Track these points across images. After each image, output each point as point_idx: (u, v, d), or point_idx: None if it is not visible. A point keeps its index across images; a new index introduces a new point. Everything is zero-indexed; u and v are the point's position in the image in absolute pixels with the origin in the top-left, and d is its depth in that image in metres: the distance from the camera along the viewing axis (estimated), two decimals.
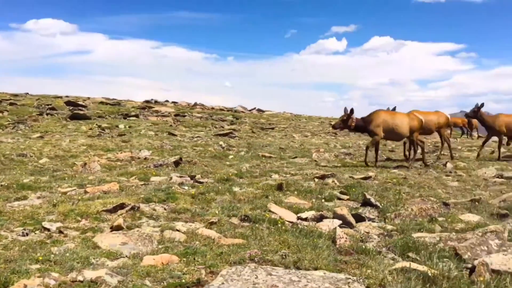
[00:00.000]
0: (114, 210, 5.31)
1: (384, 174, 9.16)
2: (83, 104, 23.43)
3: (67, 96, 28.18)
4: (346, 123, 10.79)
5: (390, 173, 9.54)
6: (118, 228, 4.62)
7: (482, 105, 12.85)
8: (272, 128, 21.52)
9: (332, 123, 12.17)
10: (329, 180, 7.97)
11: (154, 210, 5.53)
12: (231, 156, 11.51)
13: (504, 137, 13.06)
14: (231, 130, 18.12)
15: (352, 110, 10.82)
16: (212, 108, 29.44)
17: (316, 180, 8.03)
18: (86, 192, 6.40)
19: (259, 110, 31.99)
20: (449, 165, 11.04)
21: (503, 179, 9.26)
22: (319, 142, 16.63)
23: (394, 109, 13.92)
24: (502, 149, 13.57)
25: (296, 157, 11.83)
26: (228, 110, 29.43)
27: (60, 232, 4.56)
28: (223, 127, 20.02)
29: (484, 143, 13.51)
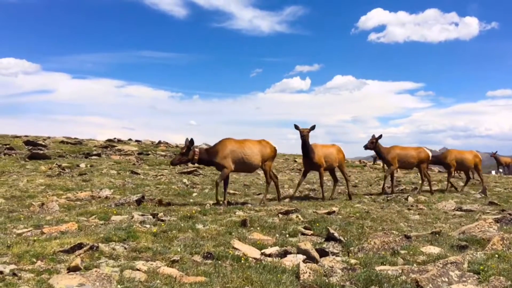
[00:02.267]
0: (71, 250, 5.12)
1: (347, 209, 9.25)
2: (43, 143, 22.82)
3: (26, 136, 27.44)
4: (187, 156, 9.46)
5: (353, 207, 9.64)
6: (75, 268, 4.45)
7: (380, 136, 13.11)
8: None
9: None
10: (293, 216, 7.98)
11: (114, 249, 5.36)
12: (195, 194, 11.37)
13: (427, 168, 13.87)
14: (195, 168, 17.96)
15: (192, 141, 9.44)
16: (177, 146, 29.20)
17: (280, 215, 8.02)
18: (42, 232, 6.16)
19: None
20: (410, 199, 11.29)
21: (462, 212, 9.52)
22: (284, 179, 16.69)
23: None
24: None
25: (260, 193, 11.79)
26: None
27: (14, 274, 4.34)
28: (187, 165, 19.84)
29: (386, 177, 13.63)
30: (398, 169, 14.60)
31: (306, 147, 10.90)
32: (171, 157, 22.12)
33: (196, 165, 18.08)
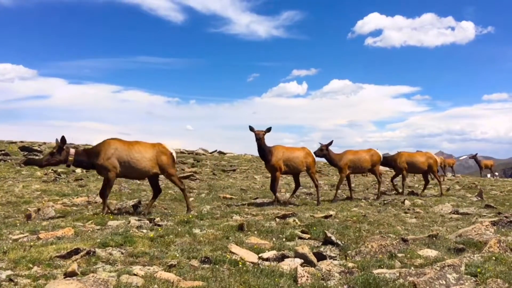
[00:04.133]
0: (68, 255, 5.09)
1: (344, 213, 9.26)
2: (39, 149, 22.75)
3: (21, 142, 27.34)
4: (59, 156, 8.28)
5: (350, 211, 9.65)
6: (72, 274, 4.42)
7: (330, 143, 12.49)
8: (234, 170, 21.48)
9: None
10: (290, 220, 7.98)
11: (111, 254, 5.34)
12: (191, 198, 11.35)
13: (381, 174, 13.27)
14: (192, 173, 17.95)
15: (63, 139, 8.24)
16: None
17: (277, 220, 8.02)
18: (39, 238, 6.12)
19: (220, 153, 31.91)
20: (407, 203, 11.31)
21: (458, 215, 9.56)
22: (280, 183, 16.68)
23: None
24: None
25: (257, 198, 11.79)
26: (189, 153, 29.22)
27: (10, 280, 4.31)
28: (183, 170, 19.82)
29: (338, 186, 12.89)
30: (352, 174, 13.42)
31: (262, 149, 10.57)
32: None
33: (192, 170, 18.04)
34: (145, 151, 8.73)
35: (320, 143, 12.47)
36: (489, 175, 30.51)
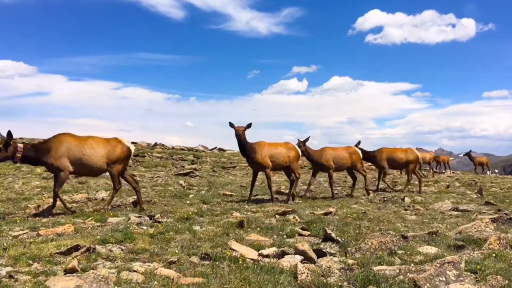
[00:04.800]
0: (68, 252, 5.10)
1: (344, 210, 9.26)
2: None
3: (21, 138, 27.35)
4: (5, 152, 7.70)
5: (350, 208, 9.65)
6: (72, 270, 4.42)
7: (307, 139, 12.15)
8: (234, 167, 21.46)
9: None
10: (290, 217, 7.98)
11: (111, 251, 5.34)
12: (191, 195, 11.35)
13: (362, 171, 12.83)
14: (191, 170, 17.94)
15: (10, 134, 7.66)
16: (173, 148, 29.16)
17: (277, 216, 8.03)
18: (39, 234, 6.12)
19: (220, 149, 31.91)
20: (407, 200, 11.30)
21: (458, 212, 9.56)
22: (281, 180, 16.68)
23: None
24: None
25: (257, 194, 11.78)
26: (189, 150, 29.21)
27: (11, 276, 4.31)
28: (183, 167, 19.80)
29: (310, 181, 12.70)
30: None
31: (243, 146, 10.41)
32: (167, 159, 22.13)
33: (192, 166, 18.02)
34: (98, 147, 8.36)
35: (298, 139, 12.24)
36: (488, 172, 30.47)
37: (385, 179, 14.89)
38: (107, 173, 8.79)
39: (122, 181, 9.13)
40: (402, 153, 14.67)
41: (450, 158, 29.37)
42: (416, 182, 14.81)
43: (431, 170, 24.85)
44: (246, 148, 10.48)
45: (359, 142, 14.28)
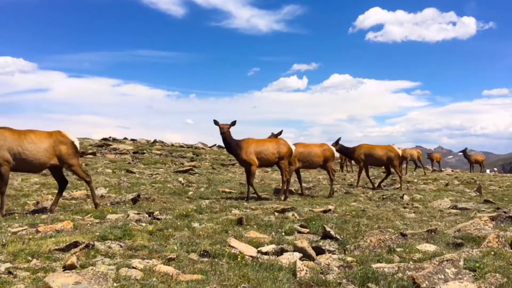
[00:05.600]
0: (67, 248, 5.10)
1: (343, 207, 9.27)
2: None
3: None
4: None
5: (349, 206, 9.66)
6: (71, 267, 4.42)
7: (280, 132, 12.08)
8: (233, 164, 21.45)
9: None
10: (289, 214, 7.99)
11: (110, 247, 5.34)
12: (190, 192, 11.34)
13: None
14: (191, 167, 17.93)
15: None
16: (172, 145, 29.17)
17: (276, 214, 8.03)
18: (38, 231, 6.11)
19: (219, 147, 31.88)
20: (406, 197, 11.32)
21: (457, 210, 9.57)
22: (279, 177, 16.66)
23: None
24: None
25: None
26: (188, 147, 29.22)
27: (9, 272, 4.32)
28: (183, 164, 19.79)
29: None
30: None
31: (228, 143, 10.44)
32: (167, 156, 22.11)
33: (192, 164, 18.05)
34: (40, 141, 7.83)
35: (272, 133, 12.25)
36: (488, 171, 30.49)
37: (369, 175, 15.12)
38: (106, 171, 8.76)
39: (122, 179, 9.10)
40: (382, 150, 14.67)
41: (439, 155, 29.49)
42: (415, 180, 14.82)
43: (421, 167, 24.68)
44: (231, 146, 10.52)
45: (339, 139, 14.41)
